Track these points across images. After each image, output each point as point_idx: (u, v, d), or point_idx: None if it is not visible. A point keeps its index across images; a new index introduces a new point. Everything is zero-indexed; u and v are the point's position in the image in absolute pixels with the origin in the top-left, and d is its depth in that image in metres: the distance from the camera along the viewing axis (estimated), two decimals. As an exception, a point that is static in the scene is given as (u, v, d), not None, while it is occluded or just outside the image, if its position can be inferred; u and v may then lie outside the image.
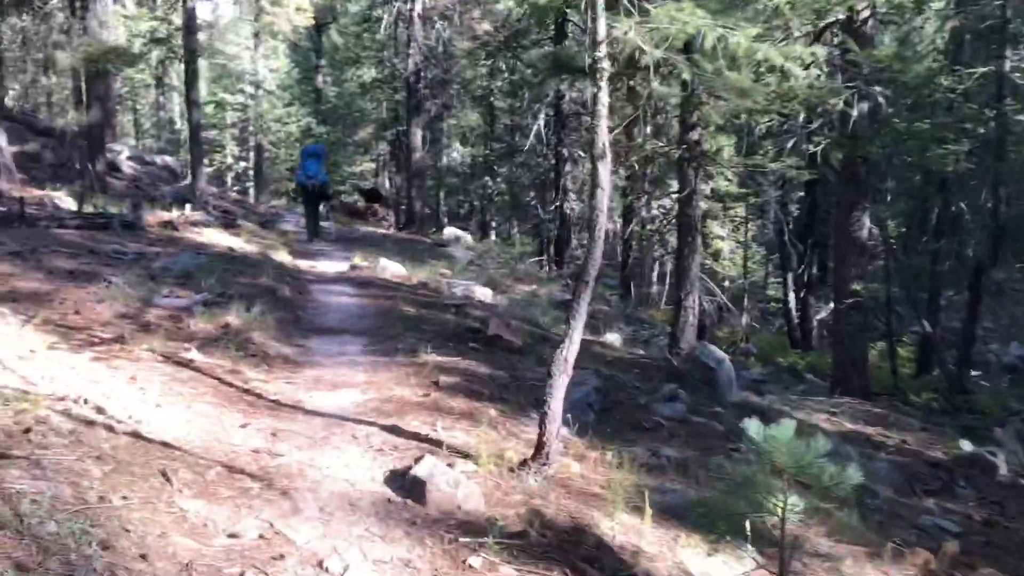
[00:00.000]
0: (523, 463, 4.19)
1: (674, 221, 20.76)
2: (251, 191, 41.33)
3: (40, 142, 20.32)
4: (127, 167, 23.14)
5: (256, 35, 34.01)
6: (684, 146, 9.05)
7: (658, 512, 3.97)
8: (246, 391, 5.03)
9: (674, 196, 13.49)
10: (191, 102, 19.53)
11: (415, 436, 4.42)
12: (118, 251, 9.41)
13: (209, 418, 4.38)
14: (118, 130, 40.05)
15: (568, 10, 19.69)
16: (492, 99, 31.09)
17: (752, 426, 3.06)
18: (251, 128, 37.68)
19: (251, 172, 40.27)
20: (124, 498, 3.21)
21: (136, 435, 3.87)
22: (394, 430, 4.49)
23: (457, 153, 35.93)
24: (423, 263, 13.42)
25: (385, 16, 19.54)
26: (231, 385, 5.10)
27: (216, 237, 12.79)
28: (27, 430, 3.55)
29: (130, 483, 3.38)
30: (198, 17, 20.52)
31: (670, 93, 8.74)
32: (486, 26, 27.86)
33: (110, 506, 3.11)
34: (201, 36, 22.13)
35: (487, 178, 29.64)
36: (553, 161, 21.17)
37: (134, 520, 3.05)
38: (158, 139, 36.40)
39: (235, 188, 45.10)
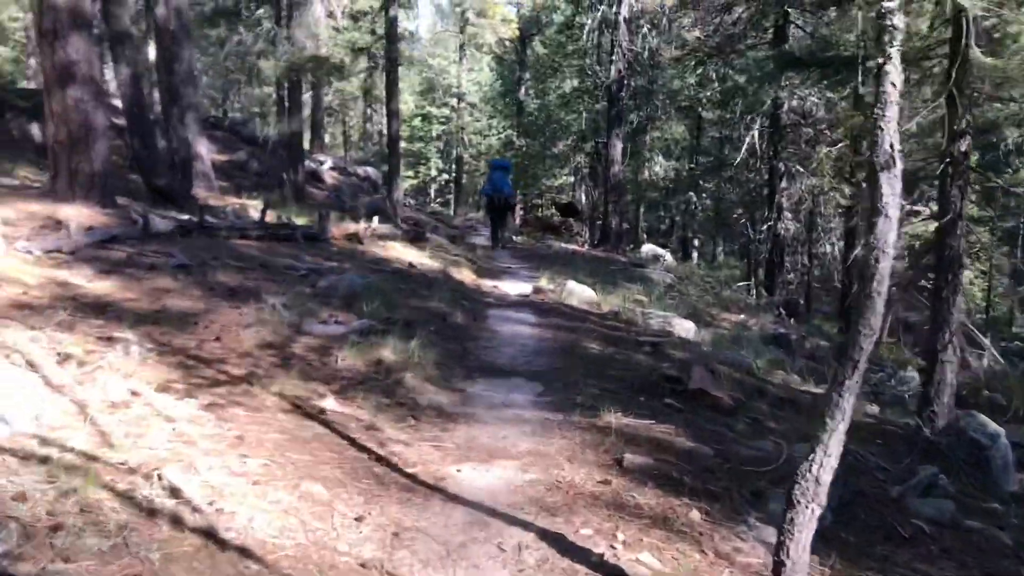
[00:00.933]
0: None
1: (910, 247, 18.29)
2: (451, 202, 41.80)
3: (247, 151, 20.95)
4: (329, 177, 23.52)
5: (461, 47, 34.21)
6: (948, 159, 7.21)
7: None
8: (378, 458, 3.97)
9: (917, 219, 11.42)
10: (391, 112, 19.38)
11: (584, 556, 3.16)
12: (291, 266, 8.83)
13: (318, 504, 3.34)
14: (327, 141, 41.79)
15: (791, 10, 17.81)
16: (700, 110, 29.36)
17: None
18: (453, 140, 38.03)
19: (452, 184, 40.69)
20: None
21: (208, 534, 2.87)
22: (557, 541, 3.25)
23: (659, 167, 34.37)
24: (616, 287, 12.16)
25: (588, 21, 18.44)
26: (362, 448, 4.06)
27: (399, 251, 12.15)
28: (56, 527, 2.62)
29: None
30: (400, 27, 20.39)
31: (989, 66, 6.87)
32: (696, 34, 26.27)
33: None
34: (403, 47, 22.09)
35: (691, 193, 27.89)
36: (767, 176, 19.28)
37: None
38: (363, 150, 37.38)
39: (438, 200, 45.95)
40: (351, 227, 12.48)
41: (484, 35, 33.53)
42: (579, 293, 9.90)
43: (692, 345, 8.07)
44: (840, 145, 17.16)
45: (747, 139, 17.68)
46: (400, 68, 24.89)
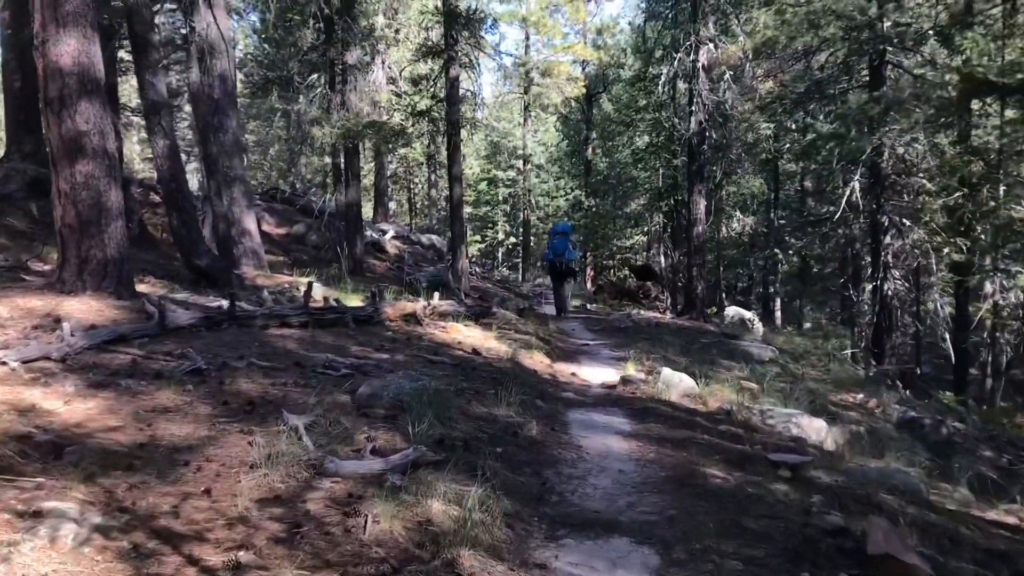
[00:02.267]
0: None
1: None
2: (520, 266, 40.46)
3: (305, 224, 19.93)
4: (391, 247, 22.36)
5: (526, 108, 33.17)
6: None
7: None
8: None
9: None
10: (452, 177, 18.13)
11: None
12: (331, 362, 7.36)
13: None
14: (392, 209, 41.04)
15: (890, 48, 16.07)
16: (780, 161, 27.55)
17: None
18: (519, 203, 36.84)
19: (520, 248, 39.38)
20: None
21: None
22: None
23: (737, 222, 32.50)
24: (715, 368, 10.41)
25: (665, 70, 16.97)
26: None
27: (462, 333, 10.64)
28: None
29: None
30: (461, 89, 19.27)
31: None
32: (769, 85, 24.67)
33: None
34: (465, 109, 20.97)
35: (776, 250, 25.92)
36: (867, 229, 17.35)
37: None
38: (428, 217, 36.46)
39: (505, 264, 44.71)
40: (408, 306, 11.04)
41: (549, 95, 32.45)
42: (676, 384, 8.19)
43: (835, 458, 6.26)
44: (957, 195, 15.22)
45: (847, 191, 15.80)
46: (464, 132, 23.83)
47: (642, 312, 17.98)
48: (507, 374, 8.19)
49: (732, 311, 22.63)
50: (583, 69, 33.34)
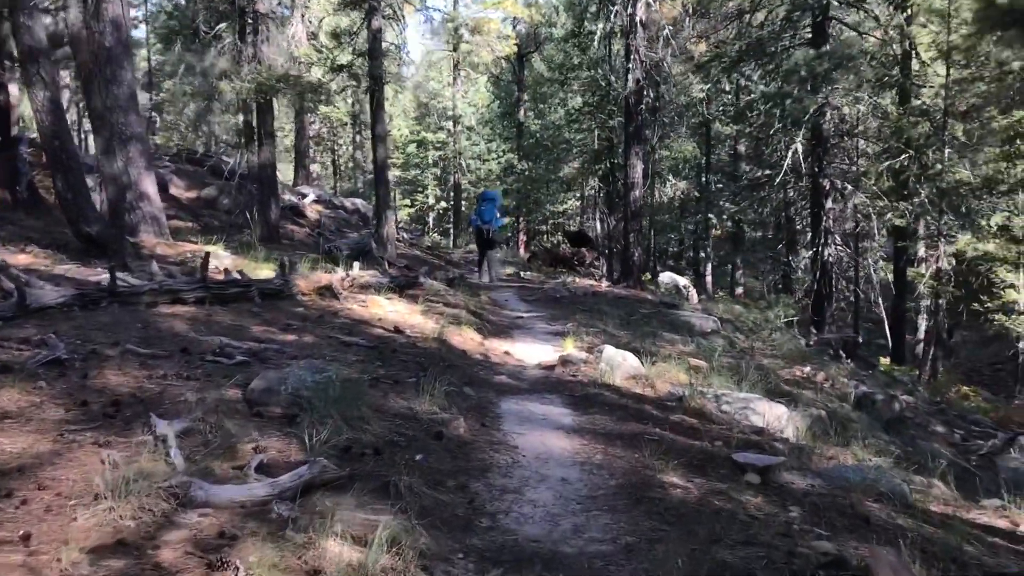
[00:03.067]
0: None
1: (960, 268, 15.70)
2: (452, 233, 39.35)
3: (217, 186, 18.53)
4: (312, 212, 21.09)
5: (455, 67, 31.87)
6: None
7: None
8: None
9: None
10: (376, 137, 16.95)
11: None
12: (225, 347, 6.32)
13: None
14: (317, 172, 39.34)
15: (835, 3, 15.40)
16: (718, 124, 26.99)
17: None
18: (450, 166, 35.62)
19: (451, 213, 38.24)
20: None
21: None
22: None
23: (669, 187, 31.96)
24: (658, 342, 9.68)
25: (600, 26, 16.03)
26: None
27: (384, 308, 9.66)
28: None
29: None
30: (385, 42, 18.04)
31: None
32: (702, 48, 23.99)
33: None
34: (389, 64, 19.74)
35: (711, 215, 25.43)
36: (807, 193, 16.83)
37: None
38: (353, 182, 35.02)
39: (436, 230, 43.45)
40: (324, 278, 9.98)
41: (479, 53, 31.22)
42: (620, 364, 7.38)
43: (804, 454, 5.53)
44: (903, 157, 14.73)
45: (788, 153, 15.18)
46: (389, 90, 22.55)
47: (577, 280, 17.20)
48: (432, 356, 7.27)
49: (666, 277, 22.02)
50: (514, 27, 32.16)
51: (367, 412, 5.06)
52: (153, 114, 28.59)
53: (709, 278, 31.43)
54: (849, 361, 13.77)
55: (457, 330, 9.01)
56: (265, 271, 11.33)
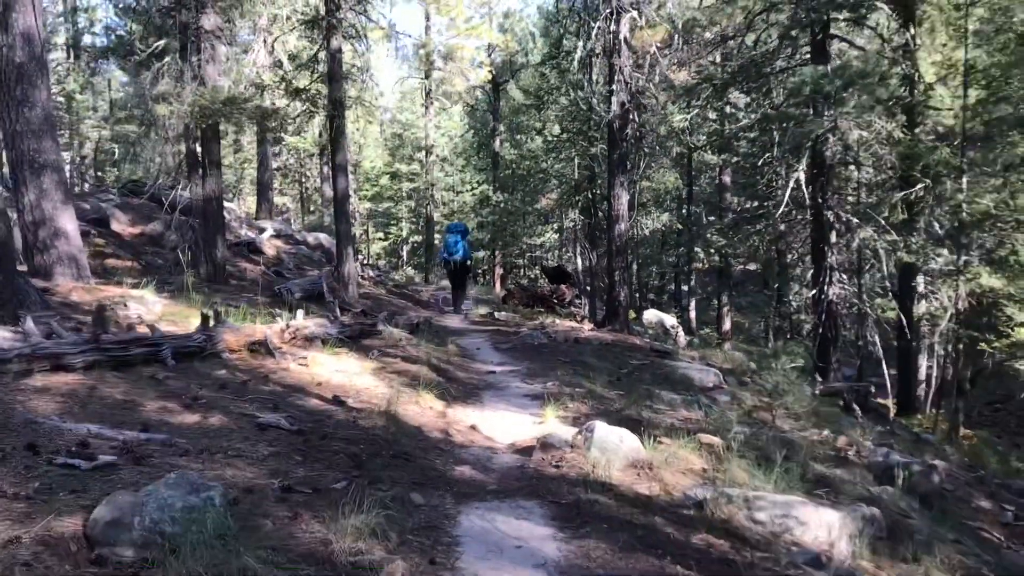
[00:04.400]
0: None
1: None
2: (424, 267, 37.76)
3: (163, 221, 16.82)
4: (271, 248, 19.43)
5: (428, 94, 30.42)
6: None
7: None
8: None
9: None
10: (337, 166, 15.35)
11: None
12: (93, 437, 4.69)
13: None
14: (284, 205, 37.69)
15: (838, 15, 14.04)
16: (694, 155, 25.70)
17: None
18: (422, 198, 34.13)
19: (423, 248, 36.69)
20: None
21: None
22: None
23: (652, 219, 30.64)
24: (655, 405, 8.13)
25: (580, 44, 14.62)
26: None
27: (328, 368, 8.06)
28: None
29: None
30: (346, 64, 16.57)
31: None
32: (683, 76, 22.78)
33: None
34: (351, 89, 18.27)
35: (697, 248, 24.03)
36: (808, 226, 15.42)
37: None
38: (320, 215, 33.44)
39: (411, 263, 41.81)
40: (257, 331, 8.34)
41: (453, 80, 29.84)
42: (615, 447, 5.80)
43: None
44: (919, 187, 13.35)
45: (790, 182, 13.74)
46: (354, 115, 21.05)
47: (558, 322, 15.63)
48: (376, 441, 5.66)
49: (652, 315, 20.53)
50: (489, 54, 30.84)
51: (260, 554, 3.44)
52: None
53: (693, 313, 30.02)
54: (862, 416, 12.29)
55: (414, 396, 7.40)
56: (197, 320, 9.69)
